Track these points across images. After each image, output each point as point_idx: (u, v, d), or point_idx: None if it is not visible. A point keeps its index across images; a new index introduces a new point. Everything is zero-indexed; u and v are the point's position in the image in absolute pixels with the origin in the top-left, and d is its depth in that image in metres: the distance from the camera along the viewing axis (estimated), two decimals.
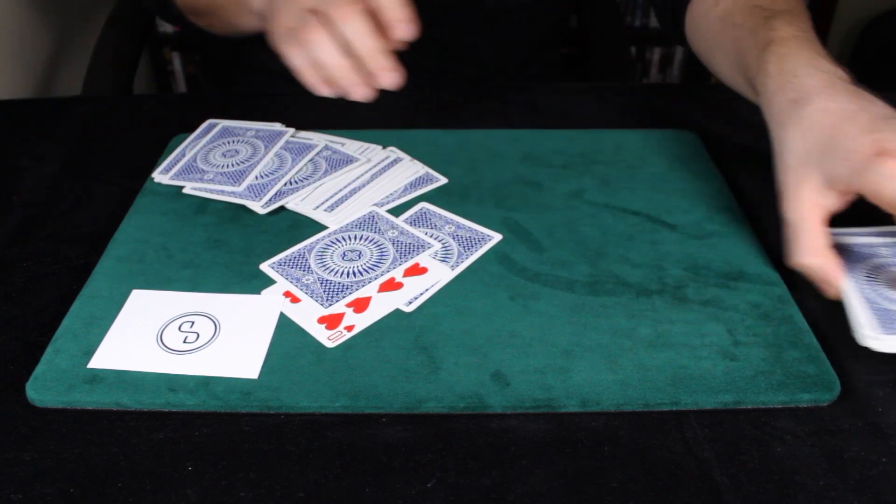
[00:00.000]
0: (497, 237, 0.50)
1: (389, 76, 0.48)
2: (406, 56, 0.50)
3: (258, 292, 0.46)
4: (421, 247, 0.49)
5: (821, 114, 0.43)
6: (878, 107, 0.43)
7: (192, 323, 0.43)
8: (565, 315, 0.44)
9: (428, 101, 0.70)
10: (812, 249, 0.43)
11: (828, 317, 0.45)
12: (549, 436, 0.37)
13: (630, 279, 0.46)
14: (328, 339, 0.42)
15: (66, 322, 0.43)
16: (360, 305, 0.44)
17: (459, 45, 0.80)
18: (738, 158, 0.62)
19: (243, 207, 0.53)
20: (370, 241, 0.50)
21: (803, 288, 0.47)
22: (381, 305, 0.44)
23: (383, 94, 0.49)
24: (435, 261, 0.48)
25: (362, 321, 0.43)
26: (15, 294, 0.47)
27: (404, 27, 0.48)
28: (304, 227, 0.51)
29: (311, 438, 0.37)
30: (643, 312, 0.44)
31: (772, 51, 0.49)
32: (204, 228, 0.51)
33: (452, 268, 0.47)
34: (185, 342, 0.42)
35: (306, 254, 0.48)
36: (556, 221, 0.52)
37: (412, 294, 0.45)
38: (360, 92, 0.49)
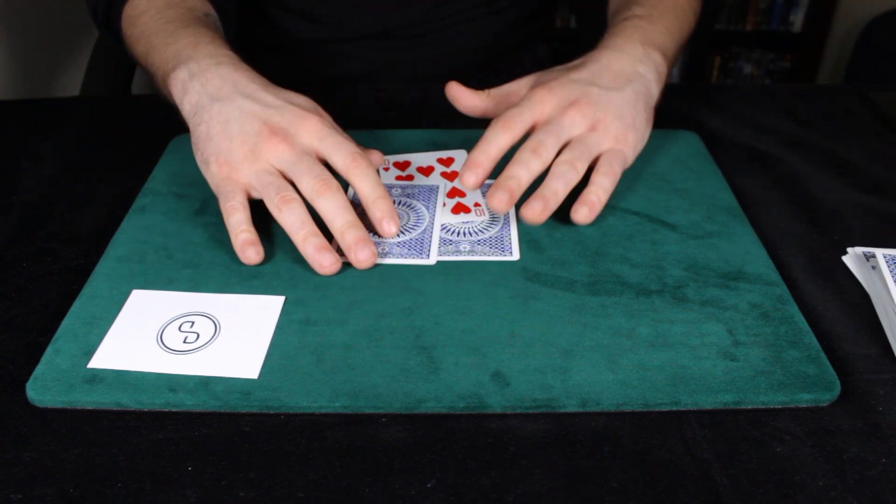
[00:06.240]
0: (514, 258, 0.49)
1: (366, 251, 0.46)
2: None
3: (258, 292, 0.46)
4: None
5: None
6: None
7: (193, 323, 0.43)
8: (565, 315, 0.44)
9: (428, 101, 0.70)
10: None
11: (828, 317, 0.45)
12: (548, 436, 0.37)
13: (630, 279, 0.46)
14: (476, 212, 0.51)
15: (66, 322, 0.43)
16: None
17: (439, 33, 0.80)
18: (738, 158, 0.62)
19: None
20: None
21: (803, 288, 0.47)
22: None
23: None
24: (480, 211, 0.53)
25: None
26: (15, 294, 0.47)
27: (386, 227, 0.48)
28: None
29: (311, 438, 0.37)
30: (643, 312, 0.44)
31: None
32: (204, 228, 0.51)
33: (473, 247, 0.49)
34: (185, 342, 0.42)
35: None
36: (556, 221, 0.52)
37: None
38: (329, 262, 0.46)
